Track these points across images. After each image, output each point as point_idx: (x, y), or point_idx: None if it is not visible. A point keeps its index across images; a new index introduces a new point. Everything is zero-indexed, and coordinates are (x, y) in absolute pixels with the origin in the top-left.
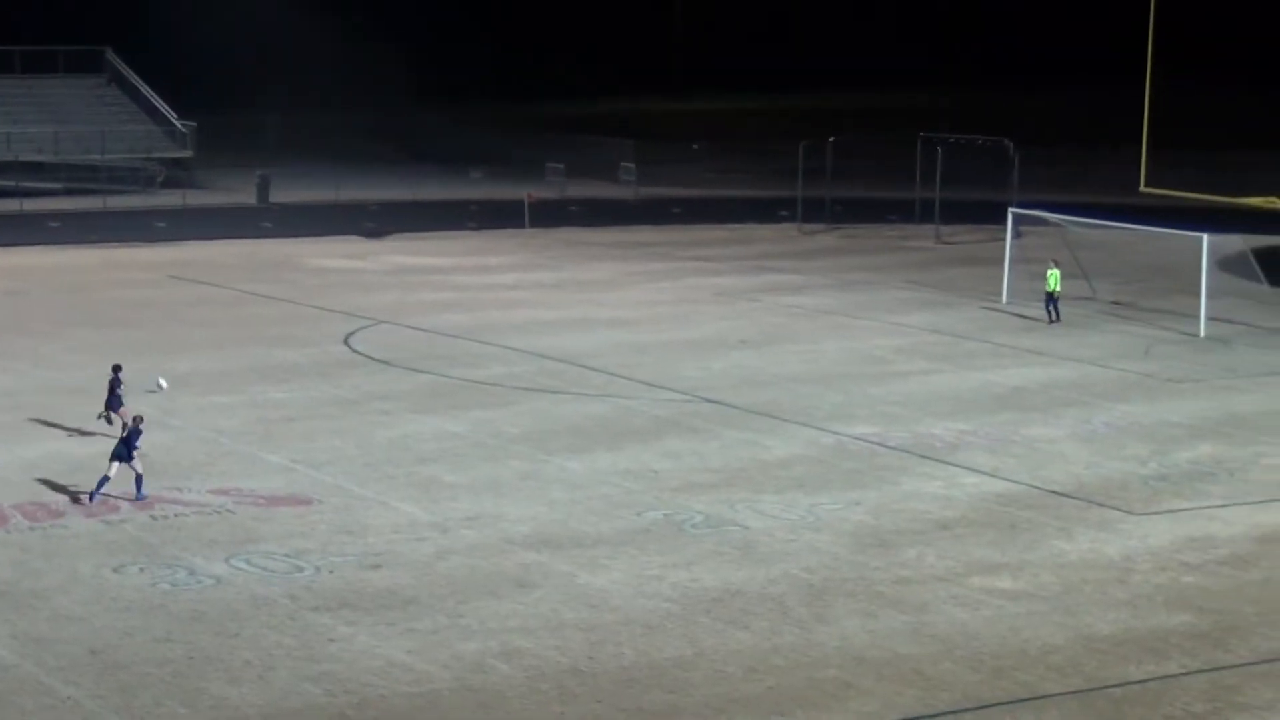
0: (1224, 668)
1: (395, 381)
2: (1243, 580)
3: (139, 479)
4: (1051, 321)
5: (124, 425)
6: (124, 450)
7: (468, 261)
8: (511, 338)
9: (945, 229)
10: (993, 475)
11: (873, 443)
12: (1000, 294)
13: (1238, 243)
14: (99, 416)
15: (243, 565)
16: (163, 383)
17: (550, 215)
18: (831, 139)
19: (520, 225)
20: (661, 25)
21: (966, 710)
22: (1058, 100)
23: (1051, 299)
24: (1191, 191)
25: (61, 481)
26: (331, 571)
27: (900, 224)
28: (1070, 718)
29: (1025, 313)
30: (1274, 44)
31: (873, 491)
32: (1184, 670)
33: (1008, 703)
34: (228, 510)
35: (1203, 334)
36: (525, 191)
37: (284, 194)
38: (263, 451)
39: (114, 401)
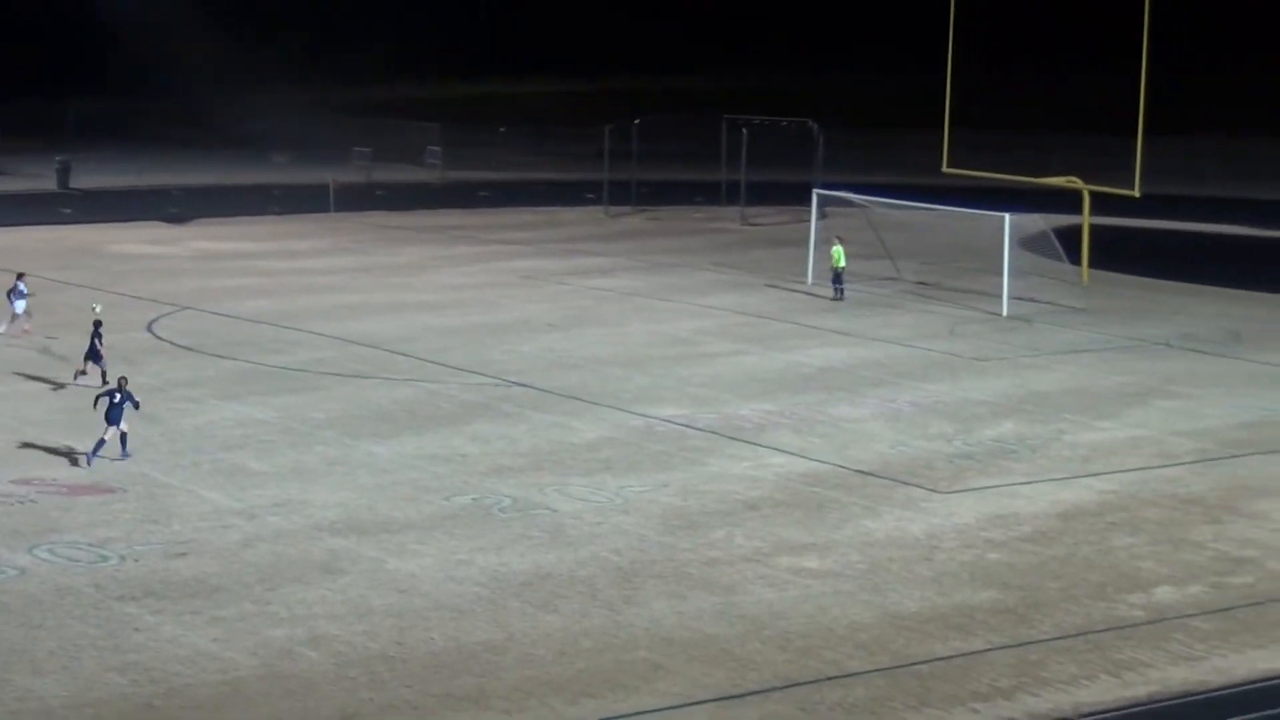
0: (1029, 643)
1: (200, 368)
2: (1046, 556)
3: (124, 437)
4: (835, 299)
5: (99, 374)
6: (116, 413)
7: (273, 246)
8: (318, 323)
9: (751, 211)
10: (799, 455)
11: (680, 425)
12: (806, 275)
13: (1039, 222)
14: (77, 375)
15: (46, 555)
16: (96, 308)
17: (356, 199)
18: (637, 121)
19: (326, 210)
20: (466, 8)
21: (775, 689)
22: (860, 82)
23: (838, 276)
24: (993, 172)
25: None
26: (137, 560)
27: (706, 206)
28: (877, 695)
29: (830, 294)
30: (1071, 25)
31: (680, 473)
32: (990, 646)
33: (815, 681)
34: (30, 500)
35: (1005, 313)
36: (330, 176)
37: (85, 180)
38: (67, 440)
39: (93, 353)
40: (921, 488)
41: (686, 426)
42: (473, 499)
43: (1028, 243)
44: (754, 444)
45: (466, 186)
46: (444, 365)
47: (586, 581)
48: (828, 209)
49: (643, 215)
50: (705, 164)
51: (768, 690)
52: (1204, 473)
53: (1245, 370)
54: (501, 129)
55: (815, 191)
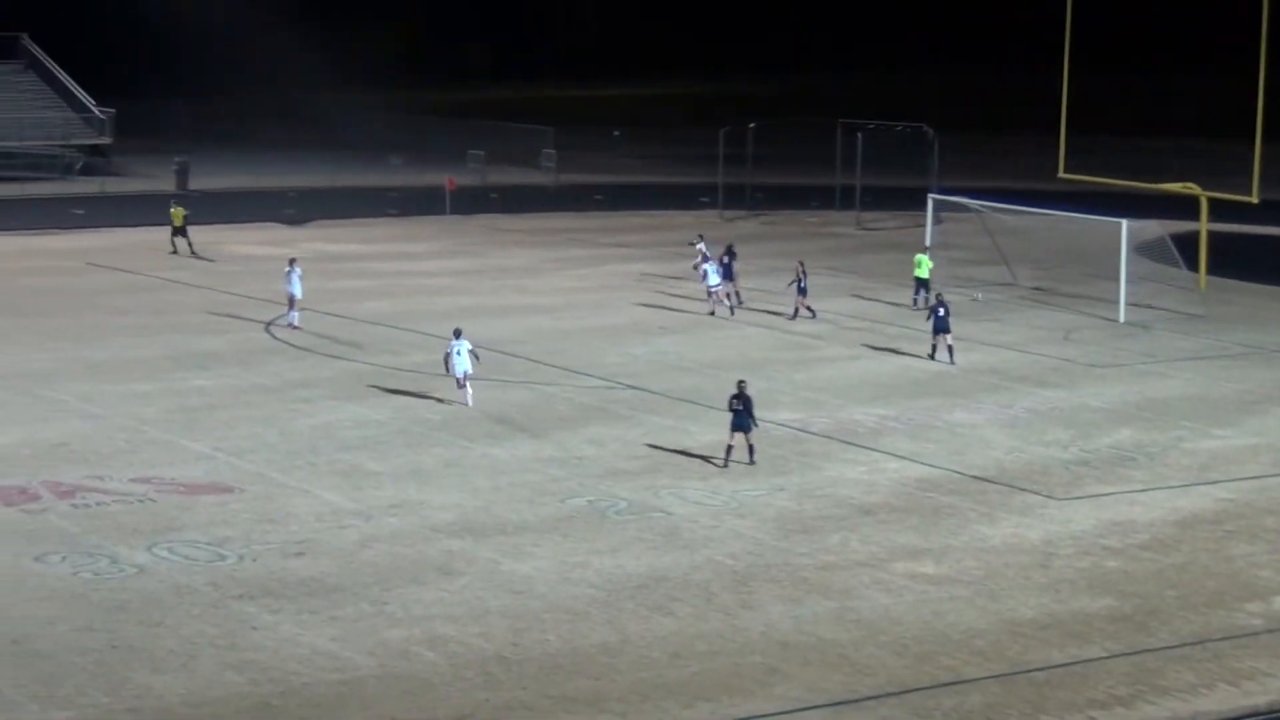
0: (1146, 651)
1: (316, 369)
2: (1163, 564)
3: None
4: (918, 308)
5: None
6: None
7: (388, 248)
8: (432, 325)
9: (866, 215)
10: (915, 460)
11: (795, 429)
12: None
13: (1156, 229)
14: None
15: (165, 554)
16: (978, 296)
17: (471, 202)
18: (752, 125)
19: (441, 212)
20: (574, 10)
21: (890, 695)
22: (972, 85)
23: (922, 285)
24: (1109, 177)
25: None
26: (254, 560)
27: (821, 210)
28: (993, 702)
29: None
30: (1187, 31)
31: (796, 477)
32: (1107, 654)
33: (931, 687)
34: (149, 499)
35: (1122, 319)
36: (446, 178)
37: (203, 180)
38: (184, 439)
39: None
40: (1038, 494)
41: (802, 431)
42: (588, 501)
43: (1143, 249)
44: (869, 449)
45: (581, 189)
46: (558, 367)
47: (702, 585)
48: (943, 214)
49: (757, 219)
50: (819, 168)
51: (883, 696)
52: None
53: None
54: (616, 133)
55: (930, 196)
